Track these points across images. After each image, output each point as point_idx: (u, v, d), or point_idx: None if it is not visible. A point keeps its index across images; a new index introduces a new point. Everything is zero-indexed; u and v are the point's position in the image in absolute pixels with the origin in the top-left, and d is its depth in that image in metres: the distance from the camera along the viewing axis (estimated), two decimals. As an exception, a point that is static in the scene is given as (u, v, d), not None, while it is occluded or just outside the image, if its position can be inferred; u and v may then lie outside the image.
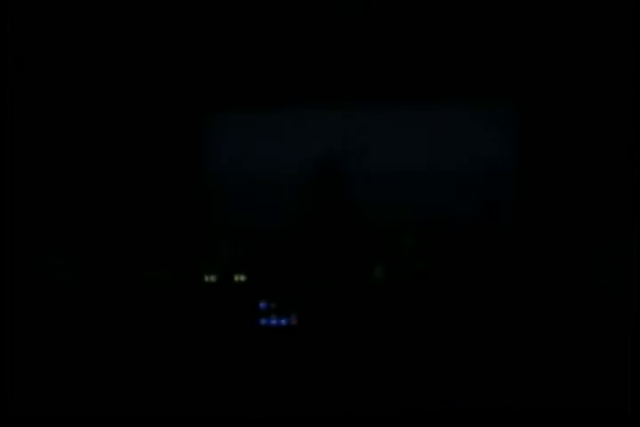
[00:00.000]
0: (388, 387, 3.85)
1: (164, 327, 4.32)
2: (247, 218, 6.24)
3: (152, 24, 5.95)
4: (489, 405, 3.52)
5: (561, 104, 6.15)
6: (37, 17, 5.59)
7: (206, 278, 4.71)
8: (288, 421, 3.55)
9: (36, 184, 5.87)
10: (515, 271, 4.91)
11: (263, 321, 4.55)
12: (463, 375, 3.90)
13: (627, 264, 4.33)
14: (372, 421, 3.53)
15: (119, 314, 4.36)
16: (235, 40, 6.17)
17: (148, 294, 4.54)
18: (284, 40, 6.12)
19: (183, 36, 6.10)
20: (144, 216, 5.71)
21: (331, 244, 4.95)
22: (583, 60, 5.86)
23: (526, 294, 4.52)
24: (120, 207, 5.76)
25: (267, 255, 5.10)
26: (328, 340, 4.27)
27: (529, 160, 6.27)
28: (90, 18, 5.83)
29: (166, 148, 6.20)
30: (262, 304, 4.59)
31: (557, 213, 6.05)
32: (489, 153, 6.28)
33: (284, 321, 4.56)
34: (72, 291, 4.56)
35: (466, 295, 4.61)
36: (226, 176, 6.29)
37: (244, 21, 5.98)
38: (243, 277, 4.70)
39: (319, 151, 5.67)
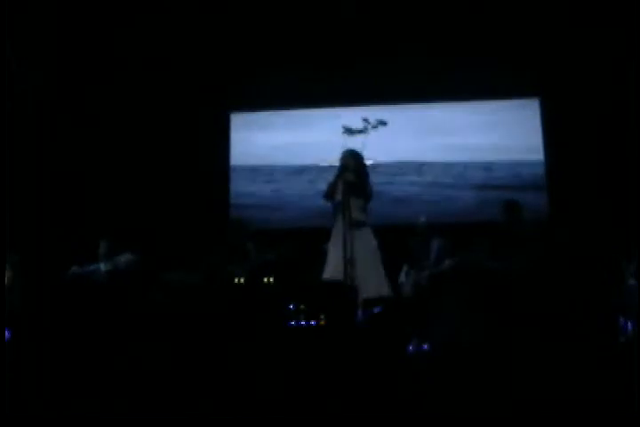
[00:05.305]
0: (415, 389, 3.83)
1: (195, 328, 4.35)
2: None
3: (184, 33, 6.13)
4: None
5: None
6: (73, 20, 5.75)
7: (236, 280, 4.75)
8: (316, 420, 3.55)
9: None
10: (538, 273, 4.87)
11: (292, 323, 4.56)
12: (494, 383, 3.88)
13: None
14: (397, 421, 3.51)
15: (148, 315, 4.39)
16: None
17: (178, 296, 4.58)
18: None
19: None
20: (173, 219, 5.78)
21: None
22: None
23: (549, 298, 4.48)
24: (152, 212, 5.86)
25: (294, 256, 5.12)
26: (356, 339, 4.27)
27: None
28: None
29: (190, 148, 6.36)
30: (291, 306, 4.60)
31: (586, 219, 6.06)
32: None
33: (313, 322, 4.57)
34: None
35: (493, 295, 4.58)
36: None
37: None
38: (271, 279, 4.73)
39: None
